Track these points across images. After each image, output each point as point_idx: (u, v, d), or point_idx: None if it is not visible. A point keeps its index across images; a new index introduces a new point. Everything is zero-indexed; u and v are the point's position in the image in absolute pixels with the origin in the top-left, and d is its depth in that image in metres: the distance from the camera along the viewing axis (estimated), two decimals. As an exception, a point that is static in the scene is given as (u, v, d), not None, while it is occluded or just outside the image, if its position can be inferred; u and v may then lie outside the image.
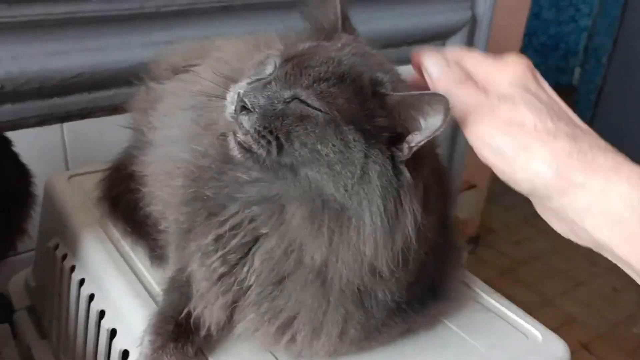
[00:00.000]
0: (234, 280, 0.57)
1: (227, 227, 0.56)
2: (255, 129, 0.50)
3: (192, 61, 0.77)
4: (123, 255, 0.77)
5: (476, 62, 0.56)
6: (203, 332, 0.62)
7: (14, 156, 0.80)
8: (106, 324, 0.72)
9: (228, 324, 0.62)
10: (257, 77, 0.53)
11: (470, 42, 1.54)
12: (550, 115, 0.50)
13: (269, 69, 0.54)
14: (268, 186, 0.54)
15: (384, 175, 0.50)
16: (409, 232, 0.52)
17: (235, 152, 0.52)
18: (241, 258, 0.57)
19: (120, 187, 0.81)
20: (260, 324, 0.59)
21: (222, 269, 0.57)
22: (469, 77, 0.55)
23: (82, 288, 0.78)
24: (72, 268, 0.81)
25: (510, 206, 2.75)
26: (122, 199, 0.81)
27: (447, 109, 0.48)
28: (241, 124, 0.51)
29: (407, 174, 0.51)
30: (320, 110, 0.50)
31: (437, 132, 0.50)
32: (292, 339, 0.59)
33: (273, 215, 0.54)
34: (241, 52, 0.73)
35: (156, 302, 0.70)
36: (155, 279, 0.73)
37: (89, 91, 1.08)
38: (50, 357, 0.87)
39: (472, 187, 2.19)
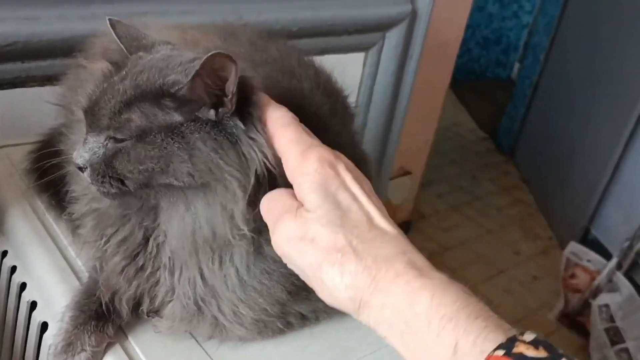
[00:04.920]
0: (135, 269, 0.62)
1: (122, 234, 0.62)
2: (92, 179, 0.57)
3: None
4: (47, 229, 0.79)
5: (286, 145, 0.55)
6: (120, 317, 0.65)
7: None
8: (27, 297, 0.74)
9: (142, 309, 0.65)
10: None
11: (409, 35, 1.59)
12: (343, 226, 0.49)
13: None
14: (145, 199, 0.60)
15: (210, 139, 0.55)
16: (260, 168, 0.56)
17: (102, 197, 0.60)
18: (140, 250, 0.62)
19: (48, 161, 0.82)
20: (179, 310, 0.63)
21: (124, 262, 0.62)
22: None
23: (5, 260, 0.79)
24: (-5, 240, 0.82)
25: (442, 193, 2.85)
26: (49, 172, 0.81)
27: (225, 55, 0.52)
28: (86, 180, 0.58)
29: (238, 122, 0.56)
30: (125, 140, 0.56)
31: (238, 73, 0.54)
32: (214, 319, 0.63)
33: (156, 214, 0.61)
34: None
35: (78, 277, 0.72)
36: (77, 253, 0.75)
37: (23, 60, 1.07)
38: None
39: (406, 173, 2.25)
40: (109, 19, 0.63)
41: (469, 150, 3.31)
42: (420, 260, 0.49)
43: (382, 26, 1.52)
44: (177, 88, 0.55)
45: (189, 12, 1.23)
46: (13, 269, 0.77)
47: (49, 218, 0.80)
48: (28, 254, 0.76)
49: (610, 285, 2.20)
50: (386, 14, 1.50)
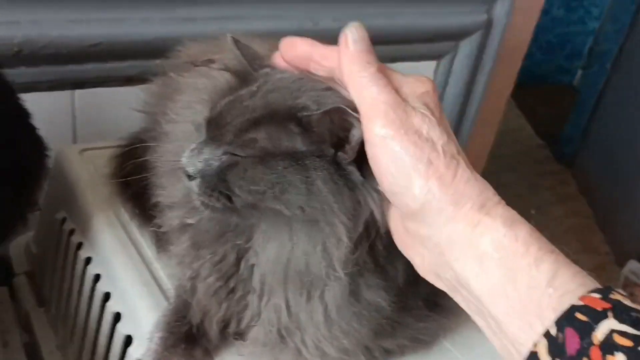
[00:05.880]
0: (227, 291, 0.61)
1: (218, 255, 0.61)
2: (201, 191, 0.56)
3: (210, 55, 0.77)
4: (131, 239, 0.79)
5: (389, 72, 0.54)
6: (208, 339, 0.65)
7: (32, 130, 0.80)
8: (110, 307, 0.74)
9: (228, 331, 0.65)
10: (197, 142, 0.58)
11: (483, 45, 1.56)
12: (451, 140, 0.51)
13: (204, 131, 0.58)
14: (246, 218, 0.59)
15: (331, 180, 0.53)
16: (372, 219, 0.55)
17: (203, 210, 0.58)
18: (233, 272, 0.61)
19: (132, 168, 0.82)
20: (262, 336, 0.62)
21: (218, 283, 0.61)
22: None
23: (89, 267, 0.79)
24: (79, 245, 0.82)
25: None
26: (133, 180, 0.81)
27: None
28: (192, 189, 0.57)
29: (356, 172, 0.54)
30: (244, 157, 0.54)
31: None
32: (296, 350, 0.62)
33: (251, 234, 0.59)
34: None
35: (163, 291, 0.72)
36: (162, 266, 0.75)
37: (105, 61, 1.09)
38: (48, 326, 0.89)
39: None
40: (231, 37, 0.61)
41: (527, 157, 3.22)
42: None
43: (456, 35, 1.49)
44: (305, 114, 0.53)
45: (267, 17, 1.22)
46: (97, 277, 0.78)
47: (133, 227, 0.80)
48: (112, 263, 0.76)
49: (671, 308, 2.13)
50: (461, 23, 1.47)
